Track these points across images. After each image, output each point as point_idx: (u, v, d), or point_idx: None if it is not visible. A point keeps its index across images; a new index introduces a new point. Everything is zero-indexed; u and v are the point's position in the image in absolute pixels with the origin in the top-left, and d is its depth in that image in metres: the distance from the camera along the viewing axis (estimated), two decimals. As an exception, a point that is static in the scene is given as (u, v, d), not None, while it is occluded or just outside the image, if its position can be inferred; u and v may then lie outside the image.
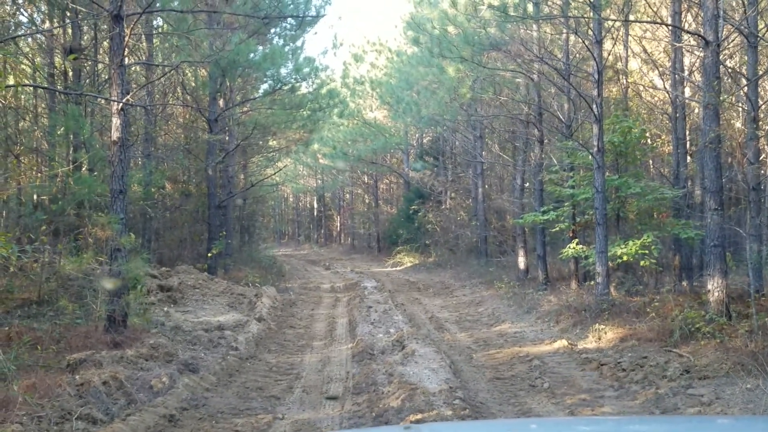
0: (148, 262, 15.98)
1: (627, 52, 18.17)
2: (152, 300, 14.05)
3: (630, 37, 18.18)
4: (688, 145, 17.03)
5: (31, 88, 16.53)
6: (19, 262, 10.10)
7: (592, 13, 13.33)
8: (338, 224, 54.68)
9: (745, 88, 12.21)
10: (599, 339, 11.23)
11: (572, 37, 16.15)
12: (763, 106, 14.22)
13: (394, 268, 29.98)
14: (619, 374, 9.00)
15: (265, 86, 23.60)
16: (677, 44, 15.92)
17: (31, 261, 11.55)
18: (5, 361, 7.31)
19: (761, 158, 12.06)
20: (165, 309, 13.94)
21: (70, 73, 15.77)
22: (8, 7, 15.03)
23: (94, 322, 10.60)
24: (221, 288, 17.12)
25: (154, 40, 20.31)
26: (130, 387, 7.99)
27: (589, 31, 13.89)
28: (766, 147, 15.66)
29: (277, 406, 8.21)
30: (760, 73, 12.58)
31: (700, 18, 13.81)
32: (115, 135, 10.55)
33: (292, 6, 20.64)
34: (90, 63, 16.69)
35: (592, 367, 9.59)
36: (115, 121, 10.56)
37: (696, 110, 17.37)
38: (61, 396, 7.27)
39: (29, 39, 16.75)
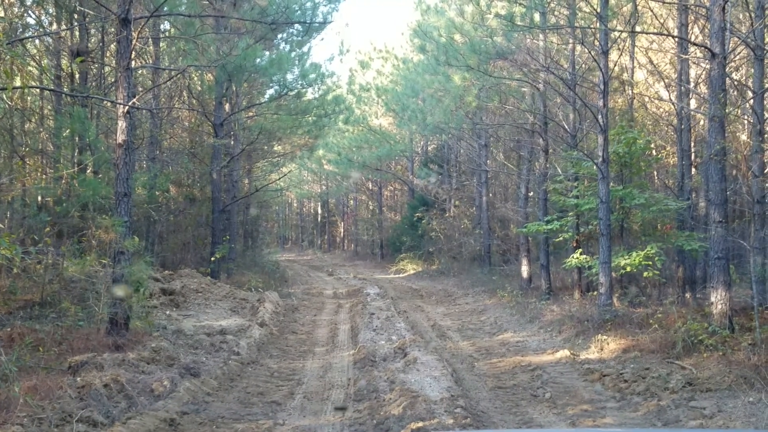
0: (151, 266, 16.00)
1: (633, 63, 18.18)
2: (155, 303, 14.06)
3: (636, 48, 18.19)
4: (693, 157, 17.01)
5: (38, 90, 16.57)
6: (22, 264, 10.09)
7: (598, 24, 13.34)
8: (342, 230, 54.69)
9: (751, 100, 12.21)
10: (602, 349, 11.20)
11: (578, 48, 16.16)
12: (769, 119, 14.19)
13: (397, 275, 29.97)
14: (621, 385, 8.97)
15: (271, 91, 23.68)
16: (683, 56, 15.91)
17: (35, 262, 11.56)
18: (7, 363, 7.31)
19: (766, 171, 12.03)
20: (167, 312, 13.96)
21: (77, 76, 15.82)
22: (16, 9, 15.09)
23: (96, 324, 10.62)
24: (224, 292, 17.14)
25: (161, 44, 20.41)
26: (131, 390, 7.99)
27: (596, 41, 13.89)
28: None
29: (278, 412, 8.21)
30: (767, 86, 12.55)
31: (706, 30, 13.82)
32: (120, 138, 10.58)
33: (299, 12, 20.67)
34: (97, 66, 16.75)
35: (594, 378, 9.56)
36: (121, 124, 10.60)
37: (701, 122, 17.35)
38: (62, 398, 7.28)
39: (37, 41, 16.80)
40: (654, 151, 18.62)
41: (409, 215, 33.94)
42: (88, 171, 14.30)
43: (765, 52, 12.45)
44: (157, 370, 9.14)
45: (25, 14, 15.61)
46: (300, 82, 21.93)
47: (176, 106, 22.75)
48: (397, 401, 8.01)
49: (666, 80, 18.06)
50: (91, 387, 7.66)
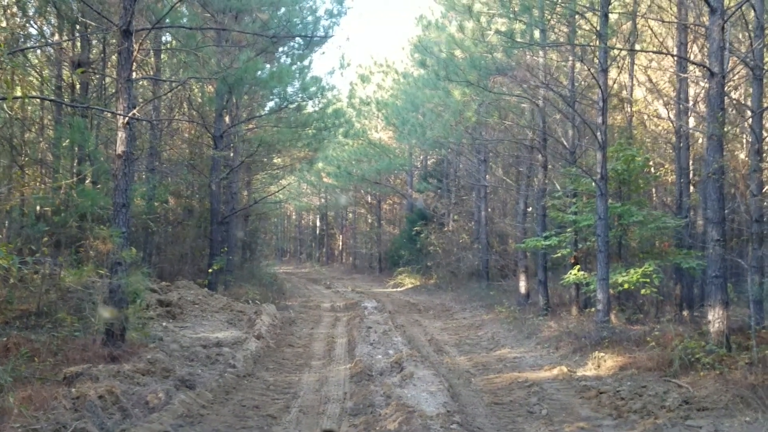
0: (149, 277, 15.97)
1: (632, 80, 18.25)
2: (151, 314, 14.03)
3: (635, 67, 18.26)
4: (691, 175, 17.05)
5: (38, 100, 16.59)
6: (19, 273, 10.08)
7: (598, 42, 13.40)
8: (340, 243, 54.67)
9: (750, 120, 12.24)
10: (599, 367, 11.18)
11: (578, 65, 16.22)
12: (768, 138, 14.25)
13: (395, 289, 29.93)
14: (617, 403, 8.94)
15: (271, 104, 23.74)
16: (682, 75, 15.97)
17: (32, 272, 11.52)
18: (2, 373, 7.29)
19: (764, 190, 12.05)
20: (164, 324, 13.92)
21: (78, 86, 15.84)
22: (18, 19, 15.13)
23: (92, 335, 10.58)
24: (221, 304, 17.10)
25: (162, 56, 20.46)
26: (126, 402, 7.96)
27: (595, 59, 13.95)
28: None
29: (273, 426, 8.17)
30: (765, 105, 12.60)
31: (705, 49, 13.88)
32: (120, 148, 10.59)
33: (300, 26, 20.76)
34: (98, 77, 16.78)
35: (591, 395, 9.53)
36: (121, 135, 10.61)
37: (700, 140, 17.40)
38: (57, 409, 7.24)
39: (38, 51, 16.83)
40: (652, 169, 18.67)
41: (407, 229, 33.96)
42: (87, 181, 14.29)
43: (764, 71, 12.51)
44: (153, 382, 9.11)
45: (27, 24, 15.66)
46: (300, 95, 22.00)
47: (176, 117, 22.79)
48: (393, 416, 7.98)
49: (665, 98, 18.13)
50: (85, 398, 7.63)
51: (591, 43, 14.20)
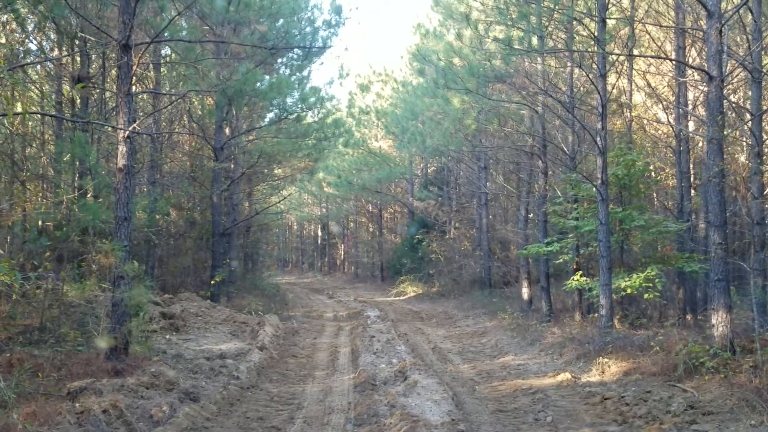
0: (151, 290, 15.97)
1: (631, 85, 18.27)
2: (154, 327, 14.02)
3: (634, 71, 18.29)
4: (692, 179, 17.05)
5: (39, 115, 16.64)
6: (21, 289, 10.09)
7: (596, 47, 13.42)
8: (342, 253, 54.64)
9: (749, 122, 12.24)
10: (603, 372, 11.16)
11: (576, 71, 16.25)
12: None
13: (397, 298, 29.90)
14: (622, 408, 8.92)
15: (271, 115, 23.80)
16: (681, 79, 15.99)
17: (34, 287, 11.52)
18: (6, 389, 7.28)
19: (765, 193, 12.04)
20: (167, 337, 13.92)
21: (78, 101, 15.89)
22: (18, 35, 15.18)
23: (95, 349, 10.57)
24: (224, 316, 17.09)
25: (162, 69, 20.51)
26: (130, 416, 7.95)
27: (594, 64, 13.97)
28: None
29: (278, 437, 8.16)
30: (764, 108, 12.60)
31: (704, 53, 13.90)
32: (120, 162, 10.61)
33: (299, 37, 20.83)
34: (98, 91, 16.83)
35: (596, 401, 9.51)
36: (122, 149, 10.63)
37: (700, 144, 17.41)
38: (61, 424, 7.24)
39: (38, 67, 16.89)
40: (653, 173, 18.67)
41: (409, 237, 33.96)
42: (89, 195, 14.32)
43: (762, 74, 12.52)
44: (157, 395, 9.10)
45: (27, 40, 15.72)
46: (300, 106, 22.06)
47: (176, 130, 22.83)
48: (397, 425, 7.97)
49: (664, 103, 18.14)
50: (89, 413, 7.62)
51: (589, 49, 14.22)
